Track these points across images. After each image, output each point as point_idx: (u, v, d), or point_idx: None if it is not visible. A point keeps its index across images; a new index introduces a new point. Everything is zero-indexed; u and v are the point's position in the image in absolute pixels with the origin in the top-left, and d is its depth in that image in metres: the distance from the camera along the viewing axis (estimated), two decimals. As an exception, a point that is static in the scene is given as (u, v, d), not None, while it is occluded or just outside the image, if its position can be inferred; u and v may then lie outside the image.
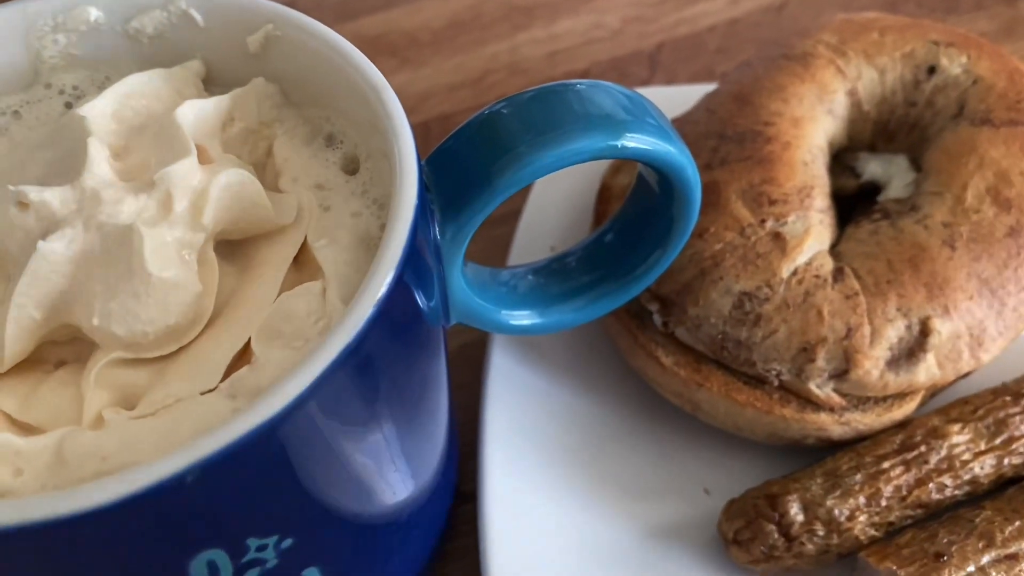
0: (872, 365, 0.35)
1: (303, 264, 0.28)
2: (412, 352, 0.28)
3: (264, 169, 0.30)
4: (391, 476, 0.29)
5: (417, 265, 0.26)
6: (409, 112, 0.28)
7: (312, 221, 0.28)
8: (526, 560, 0.36)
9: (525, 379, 0.40)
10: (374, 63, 0.26)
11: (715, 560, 0.37)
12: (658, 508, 0.38)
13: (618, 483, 0.39)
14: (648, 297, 0.38)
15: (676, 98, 0.45)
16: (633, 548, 0.37)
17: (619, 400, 0.41)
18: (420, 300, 0.27)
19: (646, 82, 0.56)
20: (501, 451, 0.38)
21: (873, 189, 0.41)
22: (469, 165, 0.29)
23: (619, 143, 0.29)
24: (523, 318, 0.34)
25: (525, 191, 0.46)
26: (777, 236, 0.36)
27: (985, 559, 0.33)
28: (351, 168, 0.30)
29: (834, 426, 0.36)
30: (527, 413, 0.39)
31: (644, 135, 0.30)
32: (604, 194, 0.42)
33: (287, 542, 0.25)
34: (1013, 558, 0.33)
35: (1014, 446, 0.36)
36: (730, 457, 0.39)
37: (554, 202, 0.46)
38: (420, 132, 0.53)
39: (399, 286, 0.24)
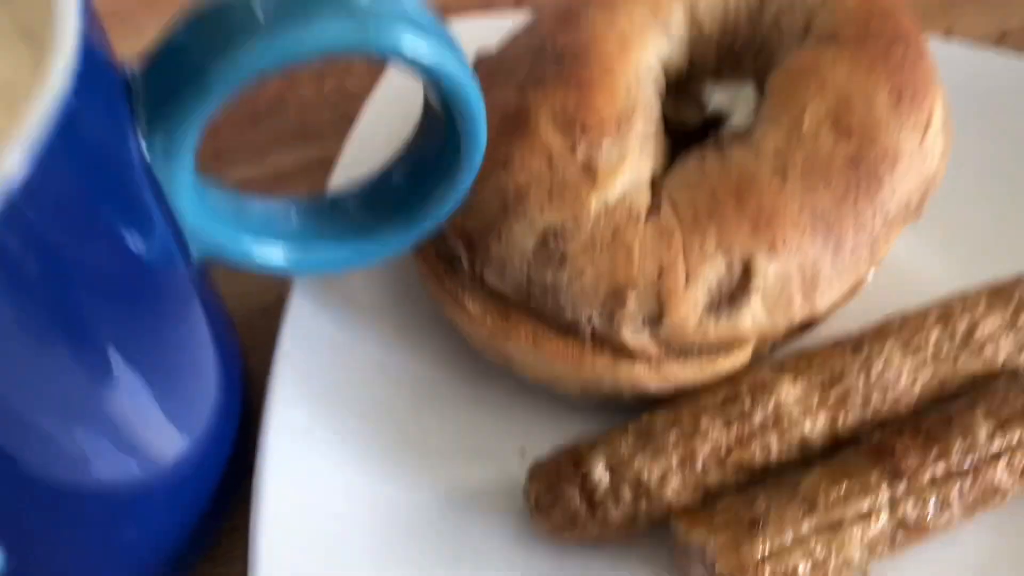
0: (689, 309, 0.31)
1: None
2: (117, 294, 0.24)
3: None
4: (88, 440, 0.25)
5: (80, 186, 0.21)
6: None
7: None
8: (304, 536, 0.31)
9: (326, 330, 0.36)
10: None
11: (525, 528, 0.33)
12: (467, 471, 0.34)
13: (425, 445, 0.35)
14: (453, 236, 0.34)
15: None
16: (434, 517, 0.33)
17: (432, 353, 0.37)
18: (121, 231, 0.23)
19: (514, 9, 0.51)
20: (287, 412, 0.33)
21: (721, 121, 0.37)
22: (183, 62, 0.25)
23: (372, 37, 0.25)
24: (279, 257, 0.30)
25: (352, 117, 0.42)
26: (588, 166, 0.32)
27: (805, 527, 0.30)
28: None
29: (651, 379, 0.32)
30: (325, 369, 0.35)
31: (408, 34, 0.26)
32: (426, 126, 0.38)
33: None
34: (837, 525, 0.30)
35: (850, 402, 0.32)
36: (550, 416, 0.35)
37: (386, 129, 0.41)
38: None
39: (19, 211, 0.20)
